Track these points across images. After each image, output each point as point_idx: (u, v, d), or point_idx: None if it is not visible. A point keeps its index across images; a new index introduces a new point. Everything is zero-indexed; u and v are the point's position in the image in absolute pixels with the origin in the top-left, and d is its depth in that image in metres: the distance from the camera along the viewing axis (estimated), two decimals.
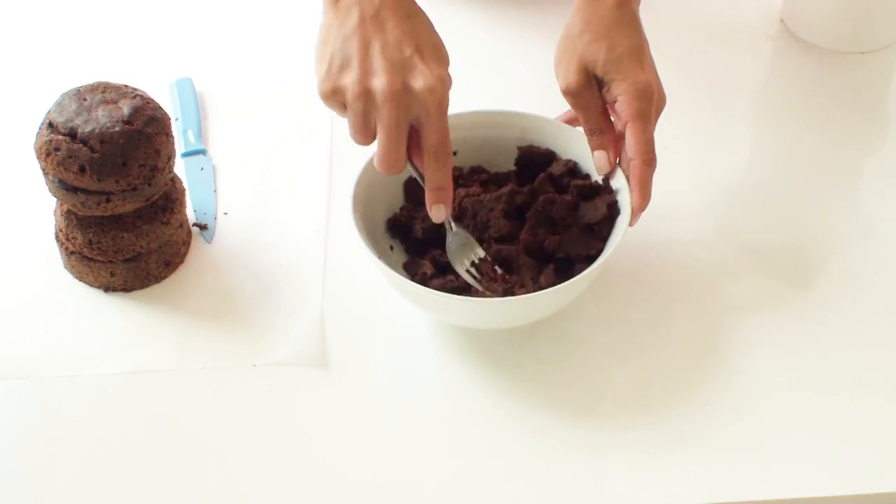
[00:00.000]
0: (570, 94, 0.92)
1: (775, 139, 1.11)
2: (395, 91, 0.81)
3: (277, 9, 1.27)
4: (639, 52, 0.91)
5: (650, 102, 0.89)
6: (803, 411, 0.88)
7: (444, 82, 0.83)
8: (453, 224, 0.90)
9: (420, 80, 0.82)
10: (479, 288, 0.89)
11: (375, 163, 0.84)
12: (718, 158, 1.08)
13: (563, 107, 0.97)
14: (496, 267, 0.90)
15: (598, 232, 0.90)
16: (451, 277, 0.90)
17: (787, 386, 0.89)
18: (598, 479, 0.84)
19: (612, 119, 0.92)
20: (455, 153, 0.96)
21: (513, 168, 0.97)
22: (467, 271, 0.89)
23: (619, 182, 0.90)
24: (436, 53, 0.84)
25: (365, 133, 0.84)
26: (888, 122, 1.14)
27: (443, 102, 0.83)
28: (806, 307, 0.95)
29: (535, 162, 0.96)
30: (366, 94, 0.81)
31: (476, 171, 0.96)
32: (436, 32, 0.85)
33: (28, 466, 0.86)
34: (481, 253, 0.90)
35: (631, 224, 0.89)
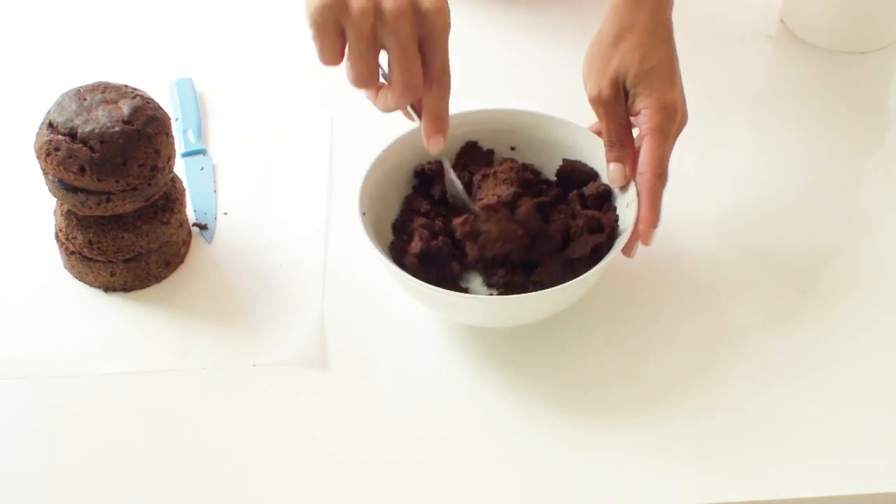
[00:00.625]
0: (600, 103, 0.91)
1: (775, 139, 1.11)
2: (405, 8, 0.76)
3: (277, 9, 1.27)
4: (669, 67, 0.90)
5: (672, 121, 0.89)
6: (804, 411, 0.88)
7: (447, 3, 0.79)
8: (451, 169, 0.89)
9: (427, 1, 0.77)
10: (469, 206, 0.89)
11: (394, 93, 0.79)
12: (718, 158, 1.08)
13: (566, 106, 0.97)
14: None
15: (576, 269, 0.89)
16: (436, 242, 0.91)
17: (789, 385, 0.89)
18: (601, 477, 0.84)
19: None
20: (513, 148, 0.97)
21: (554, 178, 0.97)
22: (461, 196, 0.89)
23: (625, 211, 0.91)
24: None
25: (371, 64, 0.78)
26: (888, 122, 1.14)
27: (448, 25, 0.79)
28: (805, 307, 0.95)
29: (575, 178, 0.95)
30: (374, 9, 0.76)
31: (526, 168, 0.96)
32: None
33: (28, 466, 0.86)
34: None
35: (645, 242, 0.88)
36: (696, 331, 0.93)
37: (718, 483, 0.83)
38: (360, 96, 0.83)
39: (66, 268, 0.99)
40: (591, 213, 0.92)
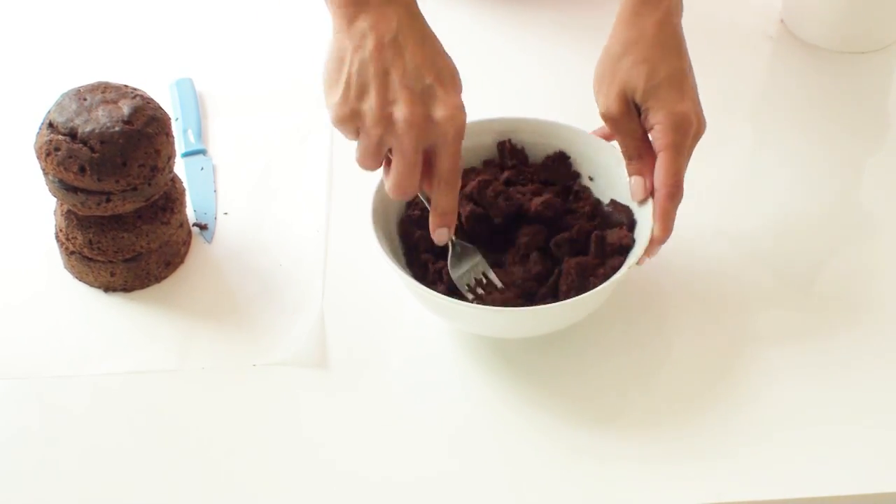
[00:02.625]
0: (610, 120, 0.91)
1: (775, 139, 1.11)
2: (416, 121, 0.80)
3: (277, 9, 1.27)
4: (679, 77, 0.90)
5: (686, 134, 0.88)
6: (804, 411, 0.88)
7: (463, 110, 0.82)
8: (454, 239, 0.89)
9: (441, 110, 0.81)
10: (472, 302, 0.89)
11: (389, 189, 0.83)
12: (718, 158, 1.08)
13: (574, 111, 0.97)
14: (493, 282, 0.90)
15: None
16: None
17: (790, 386, 0.89)
18: (609, 489, 0.83)
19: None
20: (592, 179, 0.96)
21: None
22: (467, 285, 0.89)
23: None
24: (452, 80, 0.83)
25: (376, 159, 0.83)
26: (888, 122, 1.14)
27: (460, 131, 0.82)
28: (806, 308, 0.95)
29: (612, 219, 0.93)
30: (386, 121, 0.81)
31: (570, 191, 0.95)
32: (449, 56, 0.85)
33: (28, 466, 0.86)
34: (482, 267, 0.90)
35: (649, 254, 0.88)
36: (703, 337, 0.93)
37: (719, 483, 0.83)
38: None
39: (66, 268, 0.99)
40: (586, 260, 0.90)
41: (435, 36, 0.85)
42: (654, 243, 0.88)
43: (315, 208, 1.03)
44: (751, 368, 0.91)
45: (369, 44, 0.81)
